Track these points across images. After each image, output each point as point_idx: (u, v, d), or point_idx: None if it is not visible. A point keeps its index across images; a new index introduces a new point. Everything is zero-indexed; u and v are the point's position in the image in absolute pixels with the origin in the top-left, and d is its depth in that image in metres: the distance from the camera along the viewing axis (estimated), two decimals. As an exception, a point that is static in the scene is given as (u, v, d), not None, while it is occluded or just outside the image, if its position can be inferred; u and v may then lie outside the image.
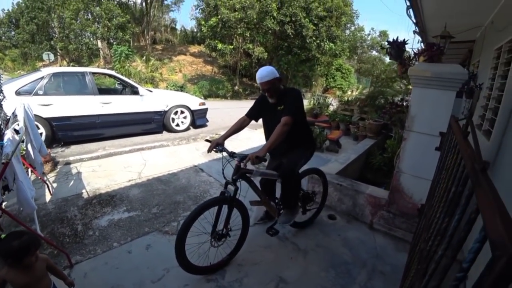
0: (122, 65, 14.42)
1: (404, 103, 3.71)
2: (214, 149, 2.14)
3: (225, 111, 10.52)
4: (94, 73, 5.17)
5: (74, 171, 3.88)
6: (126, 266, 2.18)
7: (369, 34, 35.36)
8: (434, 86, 2.46)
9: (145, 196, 3.29)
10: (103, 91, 5.51)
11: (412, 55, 3.32)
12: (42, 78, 4.50)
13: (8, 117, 2.75)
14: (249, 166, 2.00)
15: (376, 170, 5.20)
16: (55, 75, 4.67)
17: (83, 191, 3.32)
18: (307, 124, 2.52)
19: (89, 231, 2.59)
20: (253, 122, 2.52)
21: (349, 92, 27.56)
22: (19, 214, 2.62)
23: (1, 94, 2.54)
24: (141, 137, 5.61)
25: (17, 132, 2.41)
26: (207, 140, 2.23)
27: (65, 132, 4.70)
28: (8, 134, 2.09)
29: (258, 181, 2.50)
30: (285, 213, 2.48)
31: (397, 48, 2.66)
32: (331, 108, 8.22)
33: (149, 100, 5.59)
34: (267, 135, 2.38)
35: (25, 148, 2.75)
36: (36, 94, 4.41)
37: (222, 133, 6.15)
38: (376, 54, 36.08)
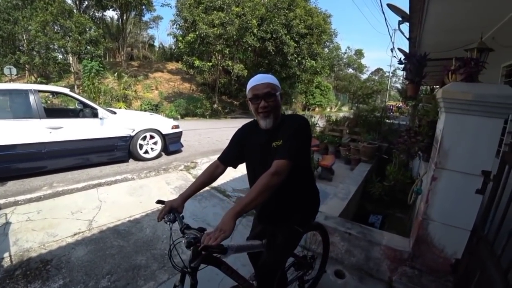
0: (92, 82, 13.36)
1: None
2: (164, 219, 1.33)
3: (204, 133, 9.76)
4: (42, 91, 4.26)
5: (1, 221, 2.92)
6: None
7: (345, 53, 36.80)
8: (475, 112, 1.90)
9: (94, 259, 2.41)
10: (53, 113, 4.58)
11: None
12: (-31, 98, 3.57)
13: None
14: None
15: (376, 200, 4.61)
16: (-11, 94, 3.74)
17: (5, 255, 2.39)
18: (312, 172, 1.70)
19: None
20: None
21: (328, 109, 28.05)
22: None
23: None
24: (101, 168, 4.68)
25: None
26: (159, 202, 1.43)
27: (1, 164, 3.73)
28: None
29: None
30: None
31: (417, 63, 2.10)
32: (317, 128, 7.70)
33: (111, 124, 4.72)
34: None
35: None
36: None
37: (200, 160, 5.52)
38: (352, 71, 37.48)
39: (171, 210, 1.35)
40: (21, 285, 2.08)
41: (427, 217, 2.27)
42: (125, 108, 12.84)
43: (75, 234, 2.74)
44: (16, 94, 3.99)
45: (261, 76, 1.39)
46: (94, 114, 4.62)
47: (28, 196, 3.42)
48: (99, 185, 3.95)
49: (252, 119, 1.59)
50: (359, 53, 37.69)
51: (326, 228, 2.21)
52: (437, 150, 2.17)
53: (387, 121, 7.36)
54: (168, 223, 1.32)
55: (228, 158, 1.57)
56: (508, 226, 1.60)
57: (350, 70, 37.75)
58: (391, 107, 15.34)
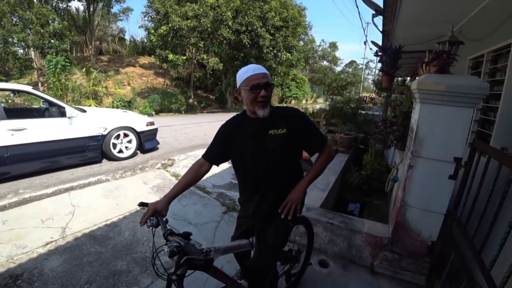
0: (58, 78, 12.49)
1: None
2: (147, 223, 1.26)
3: (180, 129, 9.53)
4: (0, 90, 3.91)
5: (-40, 234, 2.67)
6: None
7: (320, 45, 37.29)
8: (448, 102, 1.99)
9: (70, 268, 2.27)
10: (15, 113, 4.24)
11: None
12: None
13: None
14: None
15: (355, 188, 4.76)
16: None
17: (-32, 271, 2.20)
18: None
19: None
20: (210, 137, 1.62)
21: (304, 101, 28.43)
22: None
23: None
24: (72, 171, 4.41)
25: None
26: (141, 204, 1.35)
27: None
28: None
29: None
30: None
31: (392, 55, 2.15)
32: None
33: (81, 123, 4.44)
34: (251, 182, 1.51)
35: None
36: None
37: (177, 157, 5.38)
38: (327, 64, 38.15)
39: (155, 214, 1.28)
40: (-12, 303, 1.92)
41: (404, 204, 2.37)
42: (96, 106, 12.18)
43: (47, 244, 2.56)
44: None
45: (256, 67, 1.41)
46: (62, 113, 4.32)
47: (-10, 206, 3.16)
48: (71, 188, 3.72)
49: (233, 113, 1.57)
50: (333, 46, 38.38)
51: (310, 221, 2.23)
52: (412, 139, 2.25)
53: (362, 112, 7.59)
54: (150, 228, 1.24)
55: (213, 156, 1.53)
56: (479, 209, 1.70)
57: (325, 63, 38.41)
58: (365, 99, 15.85)
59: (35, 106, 6.04)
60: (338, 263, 2.60)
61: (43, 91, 7.10)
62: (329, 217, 2.80)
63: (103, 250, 2.52)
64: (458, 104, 1.98)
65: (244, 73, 1.38)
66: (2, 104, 3.92)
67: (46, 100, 4.45)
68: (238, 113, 1.56)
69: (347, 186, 4.90)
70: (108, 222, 2.97)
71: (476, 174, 1.87)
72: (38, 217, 3.00)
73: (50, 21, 14.35)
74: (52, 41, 14.14)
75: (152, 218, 1.26)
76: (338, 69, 39.22)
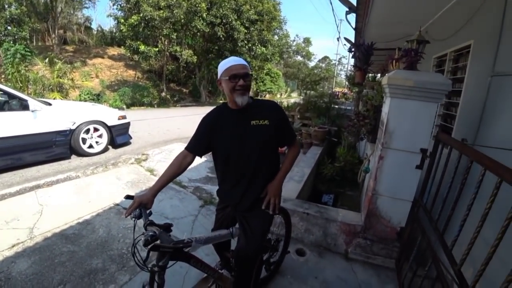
0: (17, 69, 11.54)
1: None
2: (131, 215, 1.27)
3: (153, 123, 9.27)
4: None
5: None
6: None
7: (294, 40, 37.69)
8: (415, 97, 2.14)
9: (41, 270, 2.15)
10: (-30, 107, 3.89)
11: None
12: None
13: None
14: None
15: (329, 180, 4.93)
16: None
17: None
18: None
19: None
20: (185, 131, 1.65)
21: (278, 95, 28.71)
22: None
23: None
24: (38, 168, 4.14)
25: None
26: (128, 197, 1.35)
27: None
28: None
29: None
30: None
31: (365, 51, 2.25)
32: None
33: (46, 117, 4.16)
34: (233, 173, 1.54)
35: None
36: None
37: (151, 152, 5.25)
38: (301, 59, 38.70)
39: (139, 206, 1.29)
40: None
41: (375, 193, 2.52)
42: (62, 99, 11.44)
43: (13, 246, 2.40)
44: None
45: (236, 58, 1.49)
46: (24, 106, 4.01)
47: None
48: (38, 187, 3.49)
49: (208, 107, 1.59)
50: (307, 41, 38.95)
51: (288, 212, 2.30)
52: (383, 131, 2.38)
53: (335, 106, 7.84)
54: (133, 219, 1.25)
55: (196, 147, 1.55)
56: (442, 195, 1.85)
57: (299, 58, 38.93)
58: (337, 93, 16.30)
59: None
60: (314, 251, 2.70)
61: (0, 83, 6.51)
62: (305, 208, 2.90)
63: (77, 249, 2.41)
64: (424, 99, 2.13)
65: (225, 64, 1.45)
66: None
67: (5, 92, 4.10)
68: (219, 105, 1.60)
69: (321, 178, 5.06)
70: (80, 220, 2.84)
71: (440, 163, 2.03)
72: (1, 218, 2.79)
73: (6, 6, 13.17)
74: (9, 28, 13.03)
75: (136, 210, 1.27)
76: (312, 64, 39.96)
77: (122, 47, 18.63)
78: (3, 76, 12.77)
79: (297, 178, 3.93)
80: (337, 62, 38.59)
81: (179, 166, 1.52)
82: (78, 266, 2.22)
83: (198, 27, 13.79)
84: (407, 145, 2.28)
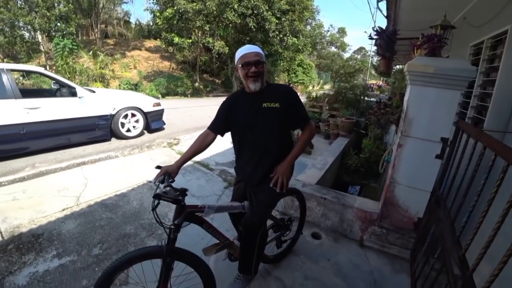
0: (66, 61, 12.67)
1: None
2: (157, 182, 1.47)
3: (185, 111, 9.72)
4: (14, 71, 4.10)
5: (-15, 201, 2.94)
6: None
7: (328, 31, 36.47)
8: (436, 84, 2.09)
9: (84, 230, 2.52)
10: (29, 93, 4.45)
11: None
12: None
13: None
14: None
15: (353, 171, 4.91)
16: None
17: (-5, 231, 2.46)
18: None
19: (-3, 296, 1.83)
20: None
21: (310, 87, 28.11)
22: None
23: None
24: (83, 148, 4.66)
25: None
26: (158, 167, 1.57)
27: (-23, 147, 3.65)
28: None
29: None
30: (236, 278, 1.83)
31: (387, 39, 2.24)
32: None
33: (90, 103, 4.65)
34: (246, 151, 1.69)
35: None
36: None
37: (182, 137, 5.59)
38: (335, 50, 37.38)
39: (165, 174, 1.50)
40: (15, 258, 2.16)
41: (393, 181, 2.50)
42: (103, 88, 12.39)
43: (63, 210, 2.82)
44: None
45: (250, 46, 1.58)
46: (72, 93, 4.52)
47: (11, 177, 3.41)
48: (83, 163, 3.98)
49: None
50: (342, 31, 37.44)
51: (302, 194, 2.40)
52: (403, 119, 2.37)
53: (366, 99, 7.62)
54: (157, 183, 1.46)
55: (216, 126, 1.72)
56: (457, 183, 1.84)
57: (333, 49, 37.62)
58: (372, 86, 15.66)
59: (46, 87, 6.25)
60: (329, 236, 2.76)
61: (53, 73, 7.31)
62: (323, 193, 2.97)
63: (114, 216, 2.77)
64: (446, 86, 2.07)
65: (240, 52, 1.58)
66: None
67: (57, 81, 4.65)
68: (238, 89, 1.76)
69: (345, 168, 5.05)
70: (118, 193, 3.22)
71: (459, 153, 2.00)
72: (54, 188, 3.26)
73: (55, 4, 14.34)
74: (58, 24, 14.21)
75: (161, 176, 1.48)
76: (347, 55, 38.43)
77: (158, 39, 19.52)
78: (54, 68, 14.07)
79: (319, 166, 3.99)
80: (372, 53, 36.77)
81: (201, 142, 1.70)
82: (114, 230, 2.55)
83: (230, 18, 13.96)
84: (427, 134, 2.24)
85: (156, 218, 1.32)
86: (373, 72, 35.35)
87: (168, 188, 1.38)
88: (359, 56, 39.25)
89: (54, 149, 4.44)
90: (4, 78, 3.80)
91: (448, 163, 2.14)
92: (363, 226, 2.76)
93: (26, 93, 4.35)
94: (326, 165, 3.97)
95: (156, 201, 1.32)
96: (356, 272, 2.26)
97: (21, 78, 11.61)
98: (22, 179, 3.42)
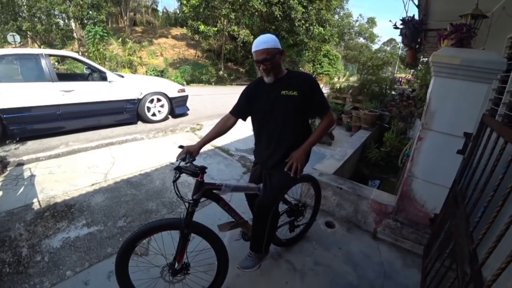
0: (97, 48, 13.26)
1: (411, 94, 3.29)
2: (179, 159, 1.59)
3: (209, 98, 9.91)
4: (51, 56, 4.40)
5: (26, 174, 3.24)
6: (81, 305, 1.69)
7: (357, 21, 35.09)
8: (462, 76, 2.00)
9: (111, 204, 2.74)
10: (64, 77, 4.78)
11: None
12: (-15, 61, 3.72)
13: None
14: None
15: (373, 165, 4.83)
16: (1, 57, 3.88)
17: (34, 200, 2.73)
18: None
19: (37, 255, 2.06)
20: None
21: (336, 79, 27.29)
22: None
23: None
24: (112, 129, 4.96)
25: None
26: (181, 146, 1.69)
27: (19, 125, 3.99)
28: None
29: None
30: (248, 255, 1.91)
31: (413, 28, 2.17)
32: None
33: (119, 87, 4.90)
34: (264, 135, 1.76)
35: None
36: (-21, 81, 3.65)
37: (205, 123, 5.75)
38: (363, 41, 35.92)
39: (187, 153, 1.61)
40: (50, 224, 2.41)
41: (411, 174, 2.45)
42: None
43: (93, 184, 3.07)
44: (29, 58, 4.13)
45: (259, 42, 1.56)
46: (103, 78, 4.78)
47: (48, 153, 3.73)
48: (111, 144, 4.26)
49: None
50: (372, 22, 35.79)
51: (318, 182, 2.44)
52: (425, 111, 2.30)
53: (393, 92, 7.35)
54: (179, 160, 1.58)
55: (236, 110, 1.81)
56: (476, 179, 1.79)
57: (361, 40, 36.14)
58: (400, 79, 14.96)
59: (78, 72, 6.65)
60: (343, 225, 2.79)
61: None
62: (339, 183, 2.97)
63: (137, 193, 2.97)
64: (472, 79, 1.98)
65: (253, 46, 1.60)
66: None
67: (89, 66, 4.93)
68: (259, 77, 1.79)
69: (365, 161, 4.97)
70: (142, 172, 3.44)
71: (481, 148, 1.93)
72: (85, 164, 3.54)
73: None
74: (90, 12, 14.79)
75: (183, 155, 1.60)
76: (375, 47, 36.78)
77: (184, 27, 19.77)
78: (85, 54, 14.75)
79: (338, 157, 3.96)
80: (401, 45, 34.88)
81: (222, 125, 1.80)
82: (137, 206, 2.75)
83: (256, 6, 13.83)
84: (449, 128, 2.16)
85: (176, 191, 1.43)
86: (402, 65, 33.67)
87: (188, 164, 1.49)
88: (388, 48, 37.44)
89: (85, 130, 4.76)
90: (43, 62, 4.10)
91: (470, 159, 2.08)
92: (377, 218, 2.74)
93: (62, 77, 4.67)
94: (344, 156, 3.94)
95: (178, 174, 1.44)
96: (367, 263, 2.29)
97: (56, 63, 12.30)
98: (58, 156, 3.74)
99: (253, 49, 1.58)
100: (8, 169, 3.33)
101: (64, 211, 2.59)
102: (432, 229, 2.47)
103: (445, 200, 2.37)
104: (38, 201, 2.72)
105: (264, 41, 1.56)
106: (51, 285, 1.82)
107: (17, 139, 4.11)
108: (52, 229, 2.35)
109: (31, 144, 4.10)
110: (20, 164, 3.46)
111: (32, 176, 3.20)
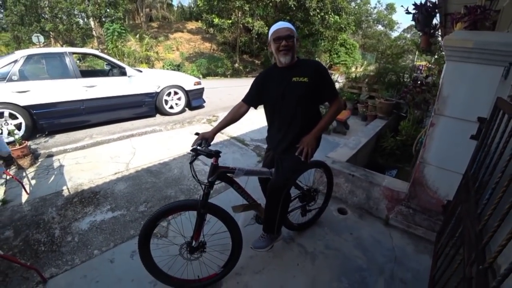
0: (115, 45, 13.69)
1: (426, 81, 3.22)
2: (195, 145, 1.68)
3: (224, 90, 10.03)
4: (74, 53, 4.66)
5: (56, 164, 3.51)
6: (108, 279, 1.86)
7: (375, 8, 33.72)
8: (476, 60, 1.95)
9: (132, 191, 2.93)
10: (86, 73, 5.04)
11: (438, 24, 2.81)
12: (15, 61, 3.98)
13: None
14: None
15: (388, 154, 4.78)
16: (30, 57, 4.15)
17: (64, 188, 2.97)
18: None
19: (68, 236, 2.27)
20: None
21: (353, 69, 26.49)
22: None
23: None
24: (132, 122, 5.20)
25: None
26: (196, 133, 1.79)
27: (47, 120, 4.28)
28: None
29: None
30: (261, 236, 2.01)
31: (426, 13, 2.14)
32: (337, 85, 7.66)
33: (138, 81, 5.11)
34: (276, 121, 1.83)
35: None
36: (10, 80, 3.93)
37: (221, 114, 5.89)
38: (382, 29, 34.55)
39: (202, 139, 1.71)
40: (79, 208, 2.63)
41: (423, 161, 2.44)
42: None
43: (115, 173, 3.28)
44: (53, 57, 4.40)
45: (282, 23, 1.67)
46: (123, 73, 5.00)
47: (74, 145, 3.99)
48: (132, 136, 4.49)
49: None
50: (391, 8, 34.18)
51: (330, 168, 2.50)
52: (437, 97, 2.27)
53: (411, 81, 7.13)
54: (195, 146, 1.69)
55: (249, 98, 1.90)
56: (486, 162, 1.79)
57: (380, 27, 34.69)
58: (421, 67, 14.36)
59: (99, 68, 6.95)
60: (355, 212, 2.83)
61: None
62: (351, 170, 2.99)
63: (157, 181, 3.15)
64: (486, 62, 1.93)
65: (272, 28, 1.69)
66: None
67: (109, 62, 5.16)
68: (271, 65, 1.87)
69: (381, 151, 4.92)
70: (161, 162, 3.62)
71: (494, 132, 1.91)
72: (108, 155, 3.77)
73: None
74: (108, 10, 15.19)
75: (198, 141, 1.70)
76: (395, 34, 35.25)
77: (199, 21, 19.86)
78: (105, 51, 15.24)
79: (351, 145, 3.96)
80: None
81: (235, 113, 1.90)
82: (157, 192, 2.93)
83: (270, -4, 13.70)
84: (462, 113, 2.13)
85: (192, 173, 1.55)
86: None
87: (202, 147, 1.61)
88: (409, 35, 35.82)
89: (108, 123, 5.03)
90: (67, 60, 4.35)
91: (482, 143, 2.06)
92: (389, 205, 2.75)
93: (84, 73, 4.93)
94: (358, 145, 3.94)
95: (194, 156, 1.57)
96: (377, 248, 2.33)
97: (77, 61, 12.83)
98: (83, 147, 3.99)
99: (274, 29, 1.66)
100: (40, 160, 3.61)
101: (90, 197, 2.80)
102: (444, 216, 2.47)
103: (458, 187, 2.36)
104: (67, 188, 2.95)
105: (286, 23, 1.67)
106: (81, 262, 2.01)
107: (46, 132, 4.41)
108: (81, 213, 2.57)
109: (58, 137, 4.39)
110: (50, 155, 3.73)
111: (61, 166, 3.46)
